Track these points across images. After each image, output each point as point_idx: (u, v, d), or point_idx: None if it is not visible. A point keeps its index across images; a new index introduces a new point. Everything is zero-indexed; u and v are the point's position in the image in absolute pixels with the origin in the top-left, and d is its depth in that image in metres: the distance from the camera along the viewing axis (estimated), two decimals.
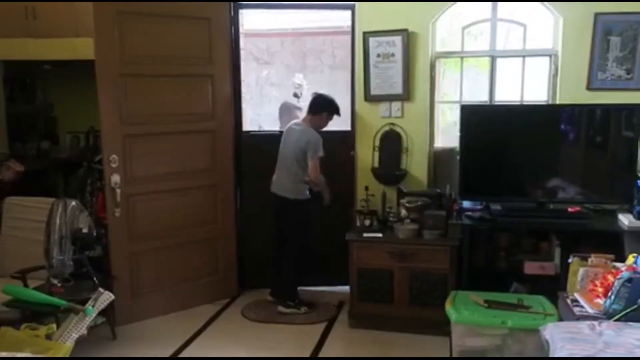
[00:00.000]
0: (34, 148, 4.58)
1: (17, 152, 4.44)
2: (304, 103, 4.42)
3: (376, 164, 3.95)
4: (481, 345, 2.76)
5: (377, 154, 3.94)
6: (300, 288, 3.99)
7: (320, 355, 3.36)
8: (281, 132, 4.08)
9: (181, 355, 3.36)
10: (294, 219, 3.79)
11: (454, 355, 2.89)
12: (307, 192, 3.80)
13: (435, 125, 4.03)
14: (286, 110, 4.53)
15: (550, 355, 2.03)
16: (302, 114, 4.04)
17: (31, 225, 3.70)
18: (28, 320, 2.98)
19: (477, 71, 4.30)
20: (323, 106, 3.79)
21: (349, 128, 4.09)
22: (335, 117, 3.89)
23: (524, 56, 3.86)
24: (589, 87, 3.60)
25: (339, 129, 4.09)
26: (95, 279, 3.41)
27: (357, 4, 3.88)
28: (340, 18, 4.78)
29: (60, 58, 3.99)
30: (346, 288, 3.81)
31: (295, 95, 4.44)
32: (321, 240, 4.00)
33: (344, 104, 3.96)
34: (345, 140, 4.09)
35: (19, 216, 3.82)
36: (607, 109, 3.42)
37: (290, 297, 3.88)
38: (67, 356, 2.85)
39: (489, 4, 3.81)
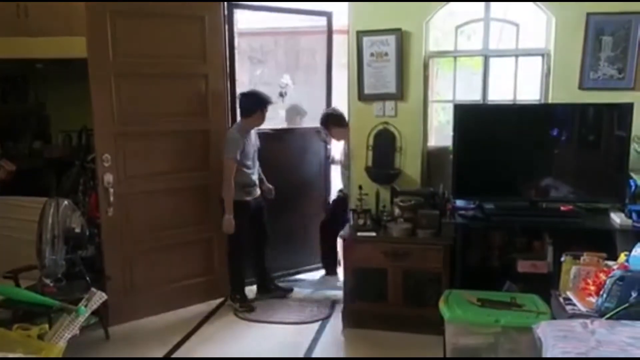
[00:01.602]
0: (26, 147, 4.55)
1: (9, 151, 4.42)
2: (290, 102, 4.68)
3: (370, 163, 3.95)
4: (474, 344, 2.77)
5: (370, 153, 3.94)
6: (298, 289, 4.17)
7: (314, 354, 3.36)
8: (274, 130, 4.11)
9: (175, 355, 3.36)
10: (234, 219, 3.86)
11: (448, 354, 2.90)
12: (245, 195, 3.89)
13: (429, 124, 4.04)
14: (294, 113, 4.68)
15: (543, 353, 2.03)
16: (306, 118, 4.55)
17: (23, 225, 3.68)
18: (20, 320, 2.97)
19: (470, 71, 4.32)
20: (253, 107, 3.86)
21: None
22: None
23: (516, 56, 3.87)
24: (581, 87, 3.61)
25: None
26: (87, 278, 3.40)
27: (351, 4, 3.88)
28: (333, 17, 4.78)
29: (53, 57, 3.96)
30: (339, 286, 3.81)
31: (281, 95, 4.46)
32: (297, 226, 4.53)
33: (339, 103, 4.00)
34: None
35: (11, 216, 3.80)
36: (599, 108, 3.43)
37: (232, 291, 4.02)
38: (60, 356, 2.84)
39: (482, 3, 3.83)
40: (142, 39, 3.66)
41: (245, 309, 3.92)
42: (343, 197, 4.33)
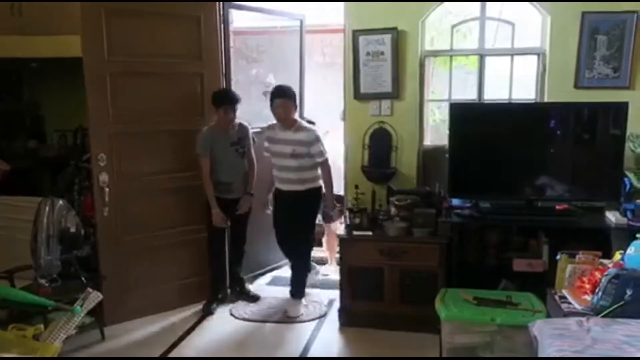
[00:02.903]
0: (21, 147, 4.54)
1: (4, 150, 4.40)
2: None
3: (366, 162, 3.95)
4: (470, 342, 2.77)
5: (366, 152, 3.94)
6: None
7: (310, 354, 3.36)
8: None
9: (170, 355, 3.35)
10: None
11: (444, 353, 2.90)
12: (217, 192, 3.81)
13: (425, 123, 4.04)
14: None
15: (539, 352, 2.04)
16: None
17: (18, 225, 3.67)
18: (15, 320, 2.95)
19: (466, 70, 4.32)
20: (213, 106, 3.77)
21: None
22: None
23: (512, 55, 3.88)
24: (577, 86, 3.63)
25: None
26: (83, 278, 3.39)
27: (347, 3, 3.88)
28: (329, 16, 4.79)
29: (48, 55, 3.96)
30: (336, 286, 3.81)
31: (265, 94, 4.46)
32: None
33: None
34: None
35: (5, 215, 3.79)
36: (594, 107, 3.45)
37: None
38: (55, 357, 2.83)
39: (478, 3, 3.83)
40: (138, 38, 3.65)
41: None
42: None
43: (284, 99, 3.64)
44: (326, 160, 3.73)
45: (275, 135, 3.74)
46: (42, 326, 2.98)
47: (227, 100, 3.73)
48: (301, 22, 4.73)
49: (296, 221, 3.79)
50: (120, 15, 3.57)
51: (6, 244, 3.69)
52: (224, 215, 3.81)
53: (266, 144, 3.83)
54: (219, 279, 4.03)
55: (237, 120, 3.84)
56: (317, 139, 3.66)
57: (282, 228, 3.91)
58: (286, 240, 3.92)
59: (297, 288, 3.92)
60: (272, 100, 3.67)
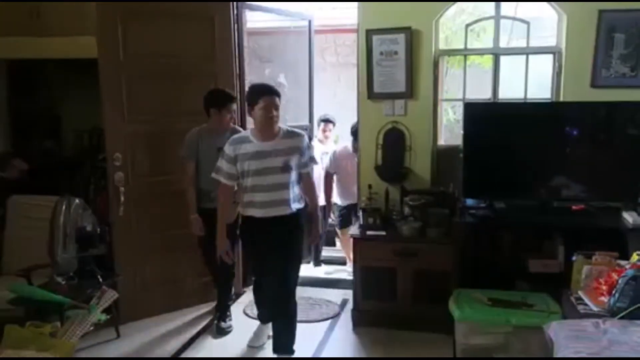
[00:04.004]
0: (38, 146, 4.59)
1: (21, 150, 4.46)
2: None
3: (379, 162, 3.94)
4: (485, 344, 2.76)
5: (380, 152, 3.93)
6: (302, 287, 4.06)
7: (323, 354, 3.37)
8: None
9: (184, 354, 3.37)
10: None
11: (458, 354, 2.89)
12: (202, 202, 3.54)
13: (439, 123, 4.02)
14: None
15: (555, 353, 2.02)
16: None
17: (35, 224, 3.71)
18: (32, 318, 3.00)
19: (480, 69, 4.30)
20: (205, 106, 3.53)
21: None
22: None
23: (527, 54, 3.85)
24: (593, 85, 3.58)
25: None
26: (99, 277, 3.43)
27: (361, 2, 3.87)
28: (343, 16, 4.79)
29: (64, 56, 4.00)
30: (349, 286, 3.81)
31: None
32: None
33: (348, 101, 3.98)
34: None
35: (23, 214, 3.83)
36: (611, 106, 3.40)
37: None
38: (71, 354, 2.86)
39: (493, 2, 3.81)
40: (153, 39, 3.68)
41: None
42: None
43: (277, 97, 2.96)
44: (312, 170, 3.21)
45: (252, 148, 2.93)
46: (58, 324, 3.02)
47: (228, 98, 3.53)
48: (310, 22, 4.73)
49: (283, 255, 3.00)
50: (135, 17, 3.60)
51: (23, 242, 3.74)
52: (209, 225, 3.37)
53: (242, 165, 2.94)
54: (226, 295, 3.76)
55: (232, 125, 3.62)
56: (309, 144, 3.14)
57: (263, 267, 3.12)
58: (271, 283, 3.07)
59: (291, 343, 3.14)
60: (256, 99, 2.92)
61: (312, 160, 3.12)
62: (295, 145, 2.99)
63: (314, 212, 3.22)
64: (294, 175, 2.98)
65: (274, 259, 3.00)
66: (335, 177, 4.69)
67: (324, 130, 5.12)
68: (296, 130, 3.11)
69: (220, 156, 3.02)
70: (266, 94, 2.92)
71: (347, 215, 4.67)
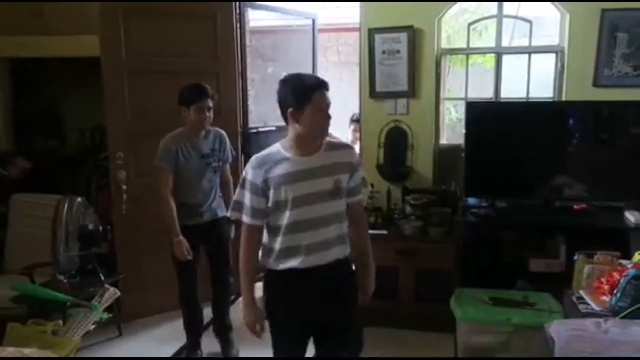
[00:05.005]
0: (41, 145, 4.60)
1: (24, 149, 4.47)
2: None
3: (381, 161, 3.94)
4: (486, 343, 2.75)
5: (382, 151, 3.93)
6: None
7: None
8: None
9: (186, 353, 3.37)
10: None
11: (459, 353, 2.89)
12: (184, 218, 3.08)
13: (441, 122, 4.02)
14: None
15: (556, 353, 2.02)
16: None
17: (38, 222, 3.72)
18: (35, 316, 3.01)
19: (482, 68, 4.29)
20: (179, 104, 3.04)
21: None
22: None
23: (529, 53, 3.84)
24: (596, 84, 3.58)
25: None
26: (101, 275, 3.44)
27: (362, 2, 3.87)
28: (345, 15, 4.79)
29: (67, 55, 4.01)
30: None
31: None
32: None
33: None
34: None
35: (25, 213, 3.84)
36: (613, 106, 3.40)
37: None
38: (73, 352, 2.87)
39: (495, 1, 3.80)
40: (155, 38, 3.69)
41: None
42: None
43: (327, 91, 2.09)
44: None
45: (290, 167, 2.04)
46: (60, 322, 3.03)
47: (203, 92, 3.01)
48: (313, 21, 4.74)
49: (341, 337, 2.14)
50: (138, 15, 3.61)
51: (26, 240, 3.75)
52: (194, 246, 3.08)
53: (277, 193, 2.03)
54: (195, 332, 3.33)
55: (211, 128, 3.16)
56: (360, 160, 2.45)
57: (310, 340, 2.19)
58: None
59: None
60: (309, 96, 2.02)
61: (364, 183, 2.36)
62: (346, 161, 2.12)
63: (367, 259, 2.27)
64: (344, 204, 2.13)
65: (330, 346, 2.10)
66: None
67: (355, 131, 4.68)
68: (340, 140, 2.39)
69: (239, 185, 2.12)
70: (320, 87, 2.06)
71: None
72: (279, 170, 2.04)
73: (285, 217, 2.03)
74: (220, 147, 3.18)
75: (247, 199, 2.07)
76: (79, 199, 3.63)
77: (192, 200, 3.08)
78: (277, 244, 2.07)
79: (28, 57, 4.20)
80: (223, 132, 3.25)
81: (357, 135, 4.66)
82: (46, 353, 2.52)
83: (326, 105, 2.06)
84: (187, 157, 3.05)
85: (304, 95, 2.03)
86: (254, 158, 2.11)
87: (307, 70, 4.81)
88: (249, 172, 2.08)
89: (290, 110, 2.05)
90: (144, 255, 3.79)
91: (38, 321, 2.94)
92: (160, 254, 3.83)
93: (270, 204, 2.05)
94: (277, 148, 2.11)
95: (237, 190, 2.13)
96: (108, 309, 3.33)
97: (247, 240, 2.12)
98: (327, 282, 2.07)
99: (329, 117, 2.08)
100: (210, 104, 3.05)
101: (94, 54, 3.51)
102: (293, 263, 2.04)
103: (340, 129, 5.34)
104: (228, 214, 2.22)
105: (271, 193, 2.04)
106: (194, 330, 3.30)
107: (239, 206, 2.10)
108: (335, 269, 2.09)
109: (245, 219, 2.09)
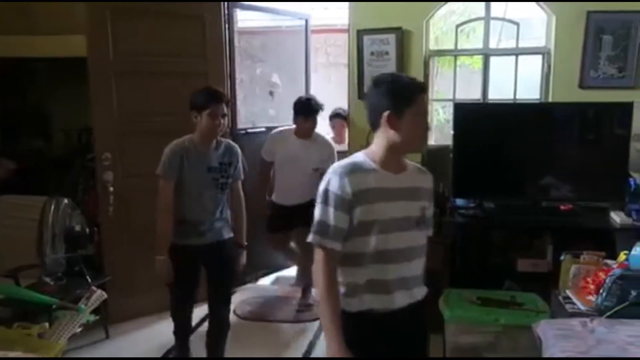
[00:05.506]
0: (27, 146, 4.55)
1: (9, 149, 4.42)
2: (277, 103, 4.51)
3: None
4: (475, 343, 2.77)
5: None
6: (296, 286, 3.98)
7: (314, 354, 3.36)
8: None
9: (174, 355, 3.35)
10: None
11: (448, 353, 2.90)
12: (179, 236, 2.81)
13: (429, 123, 4.03)
14: None
15: (543, 352, 2.04)
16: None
17: (23, 224, 3.68)
18: (20, 319, 2.97)
19: (470, 69, 4.32)
20: (190, 107, 2.79)
21: None
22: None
23: (516, 54, 3.87)
24: (582, 86, 3.61)
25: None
26: (88, 277, 3.41)
27: (352, 3, 3.88)
28: (334, 16, 4.79)
29: (54, 55, 3.97)
30: None
31: (271, 94, 4.44)
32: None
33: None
34: None
35: (11, 214, 3.80)
36: (599, 107, 3.43)
37: None
38: (59, 355, 2.84)
39: (483, 2, 3.82)
40: (143, 38, 3.66)
41: None
42: None
43: None
44: None
45: (380, 182, 1.76)
46: (46, 324, 2.99)
47: (217, 97, 2.76)
48: (306, 21, 4.74)
49: None
50: (126, 15, 3.59)
51: (11, 242, 3.70)
52: (192, 269, 2.85)
53: (365, 212, 1.72)
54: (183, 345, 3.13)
55: (222, 139, 2.90)
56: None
57: None
58: None
59: None
60: (409, 100, 1.76)
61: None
62: (428, 187, 1.89)
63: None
64: (425, 237, 1.90)
65: None
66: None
67: (334, 127, 4.66)
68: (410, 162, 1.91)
69: (319, 201, 1.72)
70: (423, 89, 1.82)
71: None
72: (371, 182, 1.71)
73: (370, 243, 1.69)
74: (230, 162, 2.86)
75: (332, 216, 1.67)
76: (66, 201, 3.59)
77: (193, 217, 2.79)
78: (353, 278, 1.70)
79: (14, 57, 4.14)
80: (236, 145, 2.94)
81: (338, 131, 4.67)
82: (32, 356, 2.49)
83: (426, 111, 1.81)
84: (192, 167, 2.76)
85: (404, 97, 1.73)
86: (337, 166, 1.76)
87: (299, 71, 4.81)
88: (332, 182, 1.68)
89: (387, 113, 1.72)
90: (131, 257, 3.75)
91: (24, 324, 2.90)
92: (147, 256, 3.81)
93: (354, 224, 1.67)
94: (362, 158, 1.79)
95: (318, 207, 1.71)
96: (95, 312, 3.29)
97: (327, 267, 1.69)
98: (406, 330, 1.78)
99: (427, 125, 1.83)
100: (225, 110, 2.77)
101: (81, 53, 3.48)
102: (371, 303, 1.72)
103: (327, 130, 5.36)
104: (309, 239, 1.73)
105: (358, 210, 1.67)
106: (182, 338, 3.16)
107: (323, 228, 1.68)
108: (417, 312, 1.82)
109: (329, 243, 1.68)
